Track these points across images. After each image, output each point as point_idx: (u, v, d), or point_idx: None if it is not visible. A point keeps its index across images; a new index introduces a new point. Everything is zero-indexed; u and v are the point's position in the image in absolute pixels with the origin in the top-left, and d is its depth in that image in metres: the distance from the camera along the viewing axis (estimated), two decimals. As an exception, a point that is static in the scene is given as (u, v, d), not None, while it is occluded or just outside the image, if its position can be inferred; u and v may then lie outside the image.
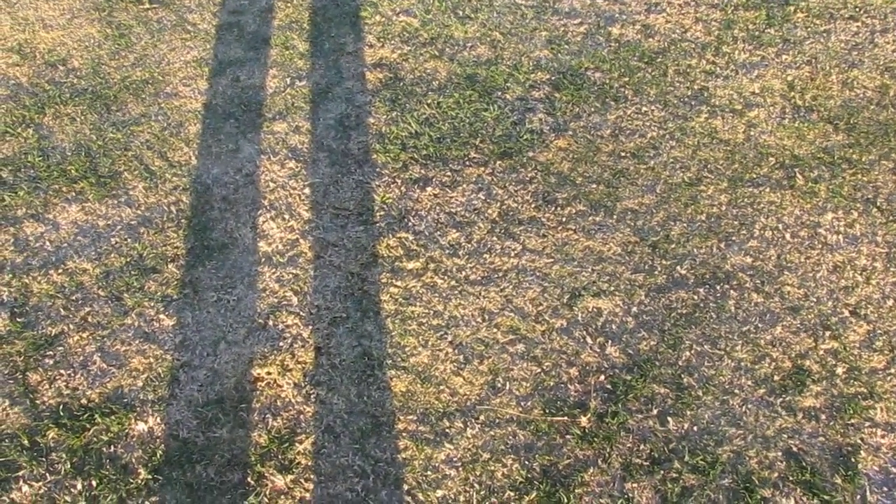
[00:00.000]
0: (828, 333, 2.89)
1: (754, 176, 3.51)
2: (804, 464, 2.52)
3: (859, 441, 2.57)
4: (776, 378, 2.75)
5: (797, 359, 2.81)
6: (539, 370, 2.79)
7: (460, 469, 2.53)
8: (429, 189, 3.47)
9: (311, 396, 2.73)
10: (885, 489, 2.46)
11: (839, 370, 2.77)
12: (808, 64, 4.17)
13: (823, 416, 2.64)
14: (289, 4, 4.78)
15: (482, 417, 2.66)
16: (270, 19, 4.65)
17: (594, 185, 3.48)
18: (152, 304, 3.05)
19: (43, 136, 3.81)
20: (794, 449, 2.56)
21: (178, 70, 4.25)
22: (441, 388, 2.75)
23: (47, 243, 3.29)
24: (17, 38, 4.52)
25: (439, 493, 2.48)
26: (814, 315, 2.95)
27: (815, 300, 3.00)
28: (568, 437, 2.60)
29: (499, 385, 2.76)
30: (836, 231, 3.26)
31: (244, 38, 4.50)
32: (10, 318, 3.00)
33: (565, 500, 2.45)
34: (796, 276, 3.09)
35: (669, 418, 2.65)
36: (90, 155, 3.70)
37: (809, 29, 4.43)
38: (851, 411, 2.64)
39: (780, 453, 2.55)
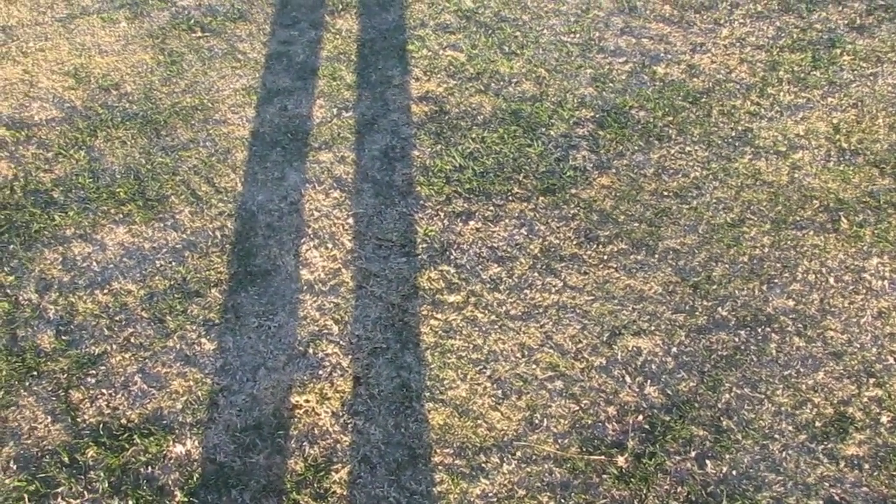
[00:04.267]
0: (872, 381, 2.84)
1: (798, 219, 3.48)
2: (846, 514, 2.47)
3: (903, 493, 2.52)
4: (818, 424, 2.71)
5: (840, 405, 2.77)
6: (577, 408, 2.78)
7: (495, 504, 2.52)
8: (471, 223, 3.49)
9: (349, 426, 2.74)
10: (930, 543, 2.41)
11: (884, 419, 2.72)
12: (854, 107, 4.14)
13: (867, 466, 2.59)
14: (337, 36, 4.86)
15: (519, 453, 2.65)
16: (319, 50, 4.73)
17: (636, 224, 3.47)
18: (194, 328, 3.08)
19: (94, 159, 3.90)
20: (836, 498, 2.51)
21: (227, 97, 4.33)
22: (478, 422, 2.75)
23: (94, 263, 3.35)
24: (73, 62, 4.64)
25: (474, 528, 2.47)
26: (857, 361, 2.91)
27: (858, 346, 2.96)
28: (604, 476, 2.58)
29: (536, 421, 2.74)
30: (882, 276, 3.22)
31: (293, 67, 4.58)
32: (55, 336, 3.06)
33: (601, 541, 2.43)
34: (839, 321, 3.05)
35: (708, 461, 2.62)
36: (139, 178, 3.78)
37: (856, 72, 4.41)
38: None
39: (821, 502, 2.50)
